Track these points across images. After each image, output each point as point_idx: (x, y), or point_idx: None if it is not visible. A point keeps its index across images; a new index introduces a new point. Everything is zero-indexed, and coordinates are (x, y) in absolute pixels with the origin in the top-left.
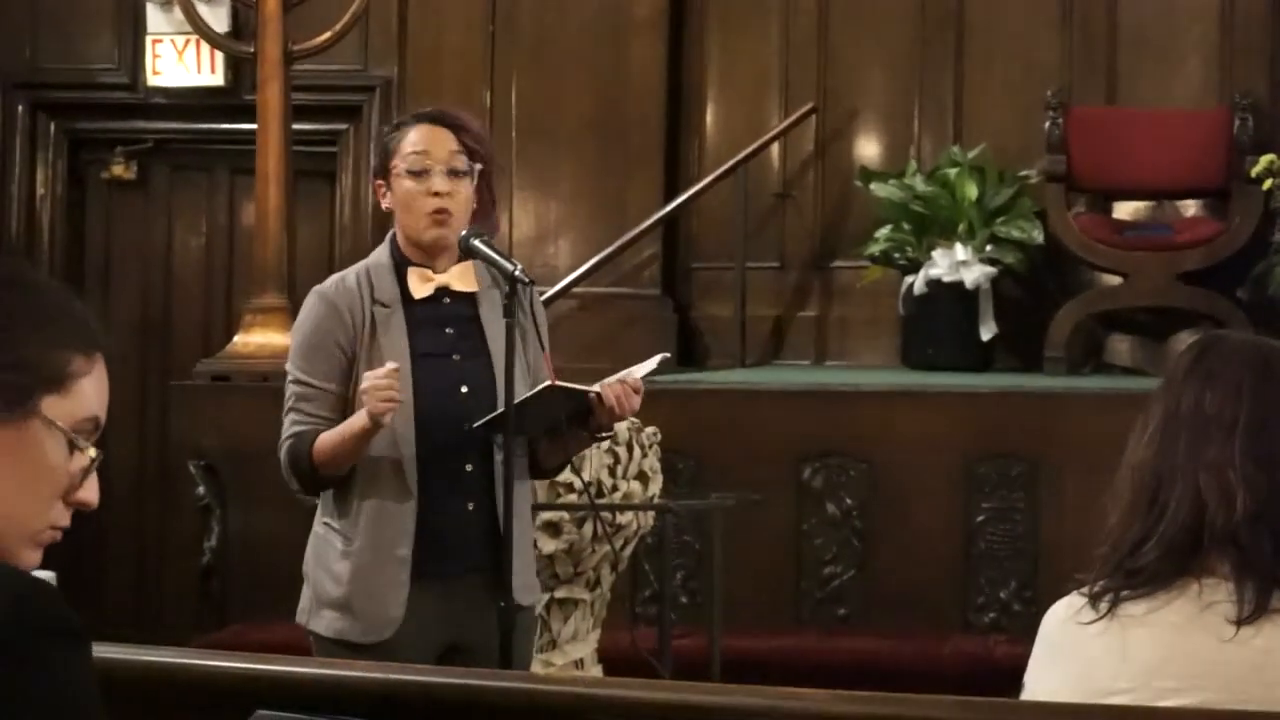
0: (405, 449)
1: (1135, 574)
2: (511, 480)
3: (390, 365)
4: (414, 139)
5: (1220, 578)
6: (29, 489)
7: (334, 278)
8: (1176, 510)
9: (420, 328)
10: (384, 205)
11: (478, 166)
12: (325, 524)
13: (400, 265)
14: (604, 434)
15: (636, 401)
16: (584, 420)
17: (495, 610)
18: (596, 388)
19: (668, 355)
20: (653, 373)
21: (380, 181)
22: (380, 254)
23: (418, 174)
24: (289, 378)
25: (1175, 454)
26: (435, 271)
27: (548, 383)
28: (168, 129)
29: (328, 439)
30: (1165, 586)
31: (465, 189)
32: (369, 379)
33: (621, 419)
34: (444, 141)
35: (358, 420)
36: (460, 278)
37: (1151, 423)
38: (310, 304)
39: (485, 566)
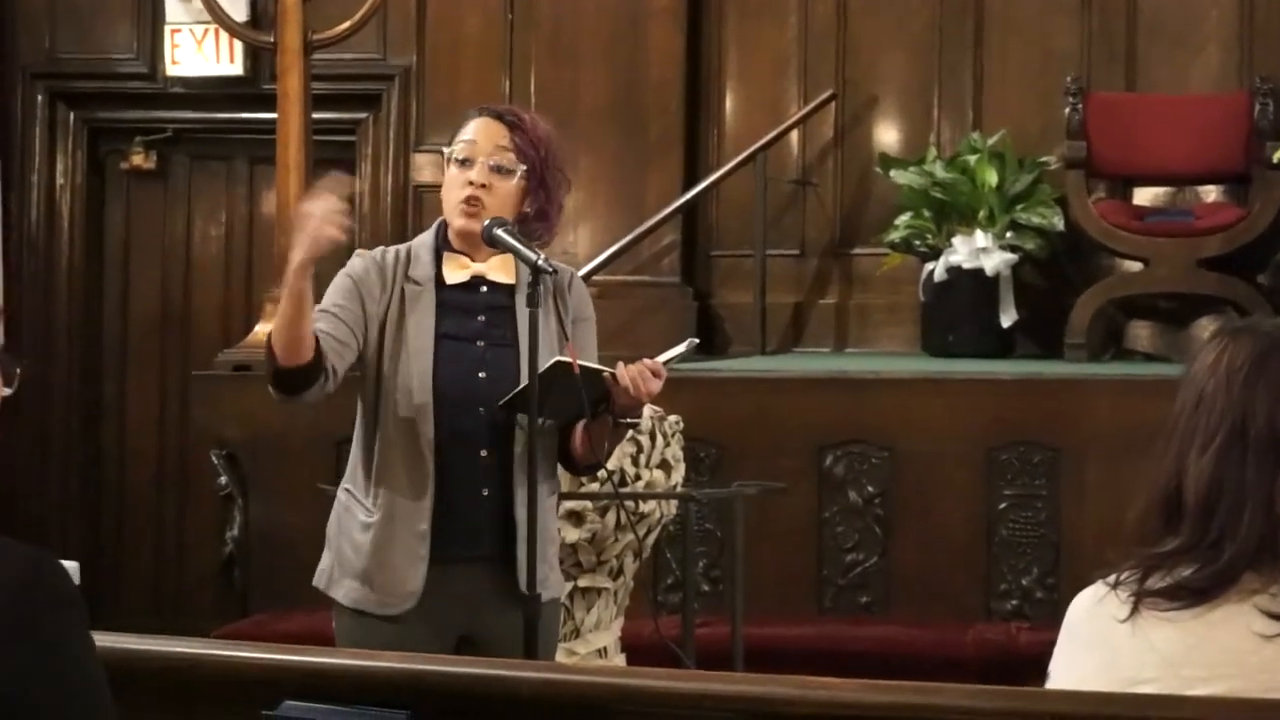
0: (424, 429)
1: (1179, 590)
2: (535, 467)
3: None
4: (468, 128)
5: (1265, 578)
6: None
7: (378, 248)
8: (1247, 535)
9: (449, 311)
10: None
11: (523, 167)
12: (347, 491)
13: (441, 249)
14: (629, 419)
15: (656, 385)
16: (606, 405)
17: (509, 603)
18: (613, 369)
19: (696, 340)
20: (681, 357)
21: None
22: (426, 236)
23: (462, 162)
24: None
25: (1243, 475)
26: (476, 260)
27: (557, 358)
28: (187, 118)
29: None
30: (1208, 600)
31: (506, 186)
32: (310, 205)
33: (640, 402)
34: (494, 135)
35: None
36: (499, 268)
37: (1214, 429)
38: (351, 261)
39: (497, 556)
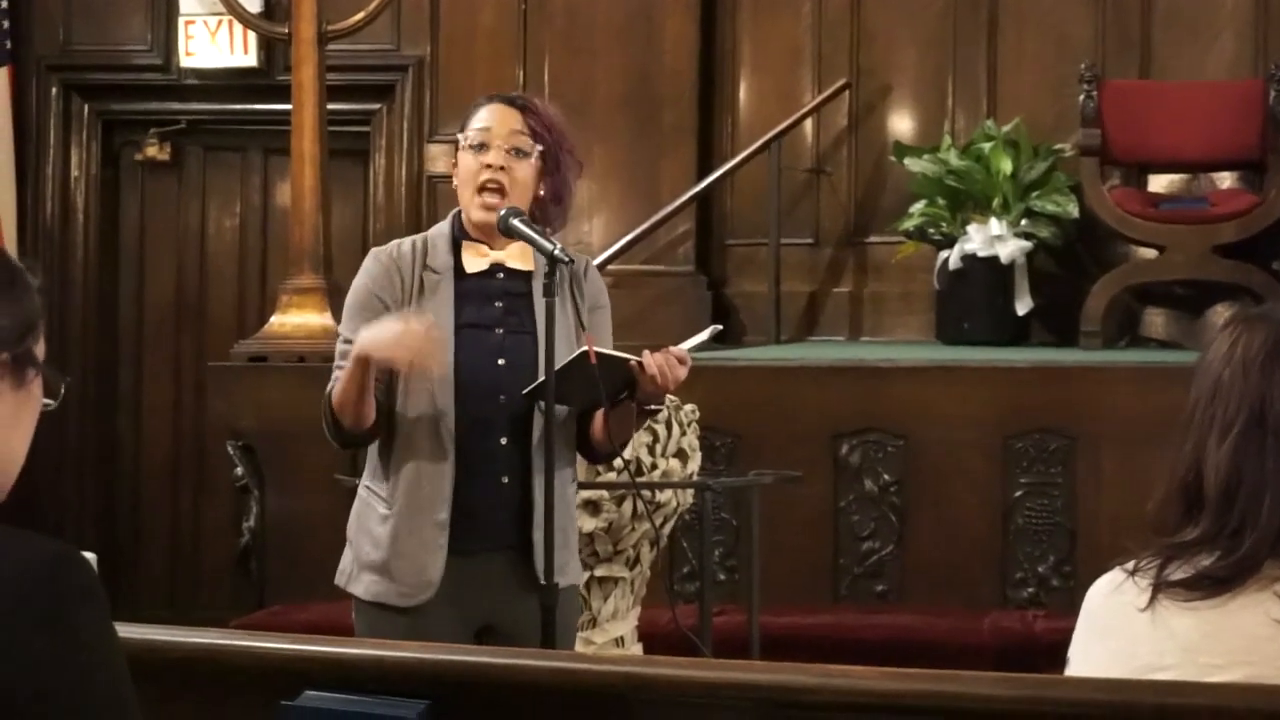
0: (444, 417)
1: (1200, 580)
2: (552, 454)
3: (430, 323)
4: (481, 115)
5: None
6: (31, 430)
7: (392, 242)
8: (1268, 523)
9: (468, 300)
10: (454, 182)
11: (539, 148)
12: (367, 488)
13: (458, 238)
14: (652, 407)
15: (682, 372)
16: (630, 393)
17: (529, 591)
18: (639, 357)
19: (719, 327)
20: (703, 344)
21: (454, 160)
22: (442, 226)
23: (477, 148)
24: (339, 339)
25: (1263, 462)
26: (493, 249)
27: (583, 349)
28: (201, 110)
29: (337, 382)
30: (1229, 590)
31: (524, 170)
32: (408, 324)
33: (666, 390)
34: (508, 120)
35: (355, 348)
36: (517, 256)
37: (1232, 417)
38: (365, 264)
39: (518, 544)
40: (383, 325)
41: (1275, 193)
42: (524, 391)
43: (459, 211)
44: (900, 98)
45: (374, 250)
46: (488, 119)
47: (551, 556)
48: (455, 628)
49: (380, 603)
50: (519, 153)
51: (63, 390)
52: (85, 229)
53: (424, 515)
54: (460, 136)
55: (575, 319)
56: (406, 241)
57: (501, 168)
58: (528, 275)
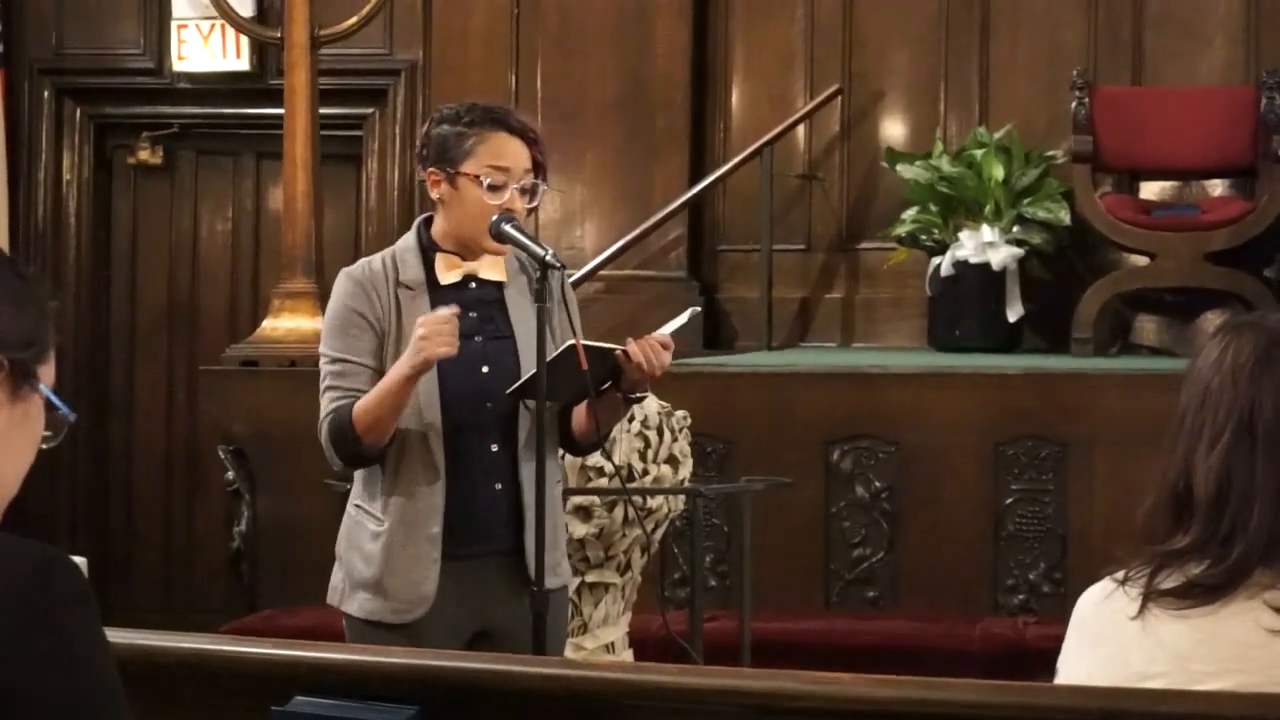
0: (432, 429)
1: (1190, 589)
2: (543, 454)
3: (452, 309)
4: (496, 150)
5: (1276, 573)
6: (27, 457)
7: (361, 261)
8: (1257, 531)
9: None
10: (434, 195)
11: (542, 186)
12: (357, 506)
13: (429, 251)
14: (636, 395)
15: (666, 357)
16: (615, 383)
17: (522, 594)
18: (623, 345)
19: (698, 309)
20: (684, 327)
21: (435, 171)
22: (408, 239)
23: (496, 189)
24: (323, 360)
25: (1252, 470)
26: (465, 260)
27: (571, 341)
28: (193, 114)
29: (367, 399)
30: (1220, 598)
31: (527, 203)
32: (427, 321)
33: (652, 376)
34: (522, 159)
35: (398, 369)
36: (489, 266)
37: (1221, 425)
38: (338, 285)
39: (512, 548)
40: (429, 329)
41: (1267, 200)
42: (508, 391)
43: (425, 220)
44: (892, 103)
45: (345, 270)
46: (506, 157)
47: (542, 560)
48: (449, 640)
49: (374, 620)
50: (526, 191)
51: (65, 429)
52: (77, 233)
53: (417, 530)
54: (466, 163)
55: (561, 323)
56: (376, 259)
57: (516, 210)
58: (499, 284)
